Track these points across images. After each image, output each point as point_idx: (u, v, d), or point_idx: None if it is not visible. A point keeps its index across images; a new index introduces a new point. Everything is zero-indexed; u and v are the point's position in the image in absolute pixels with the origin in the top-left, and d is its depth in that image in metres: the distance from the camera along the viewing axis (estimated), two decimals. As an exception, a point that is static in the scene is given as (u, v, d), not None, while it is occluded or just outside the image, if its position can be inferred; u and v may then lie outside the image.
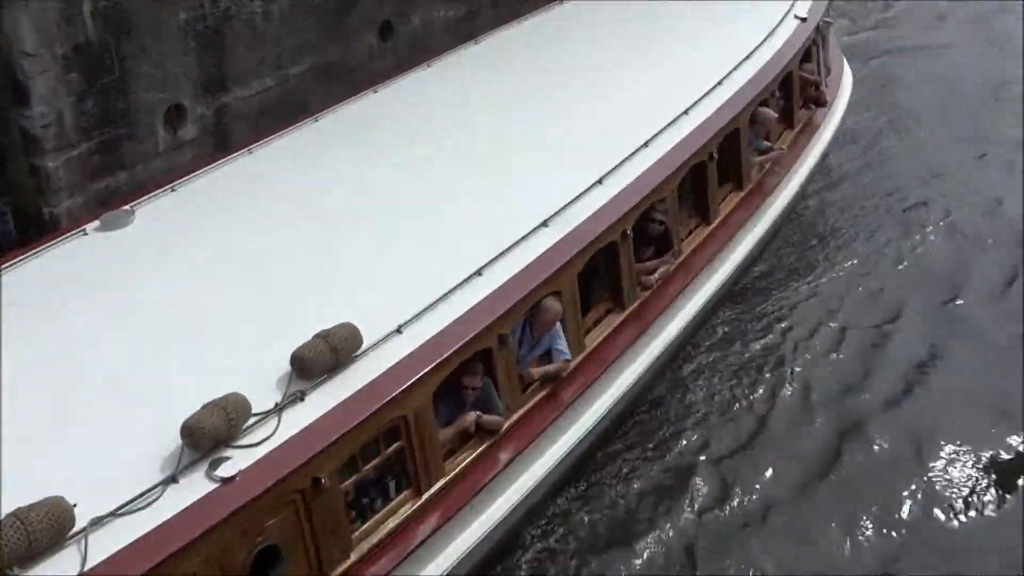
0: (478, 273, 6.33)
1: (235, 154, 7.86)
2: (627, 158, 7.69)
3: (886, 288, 9.84)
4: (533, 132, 8.08)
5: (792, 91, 10.21)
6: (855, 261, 10.32)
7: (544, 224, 6.95)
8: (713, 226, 8.60)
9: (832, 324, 9.34)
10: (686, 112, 8.44)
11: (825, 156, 11.16)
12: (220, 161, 7.70)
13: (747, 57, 9.53)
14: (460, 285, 6.16)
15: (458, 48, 9.60)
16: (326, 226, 6.68)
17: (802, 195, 10.66)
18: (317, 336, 5.49)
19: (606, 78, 8.94)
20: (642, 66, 9.22)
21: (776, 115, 9.55)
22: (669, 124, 8.21)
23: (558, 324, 6.76)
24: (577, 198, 7.14)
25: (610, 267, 7.36)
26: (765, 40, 9.82)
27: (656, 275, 7.70)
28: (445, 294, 6.06)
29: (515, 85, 8.81)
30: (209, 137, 8.87)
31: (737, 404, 8.41)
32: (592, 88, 8.74)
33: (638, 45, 9.66)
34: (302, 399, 5.23)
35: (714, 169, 8.48)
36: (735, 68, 9.24)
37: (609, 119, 8.28)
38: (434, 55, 9.50)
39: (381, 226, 6.69)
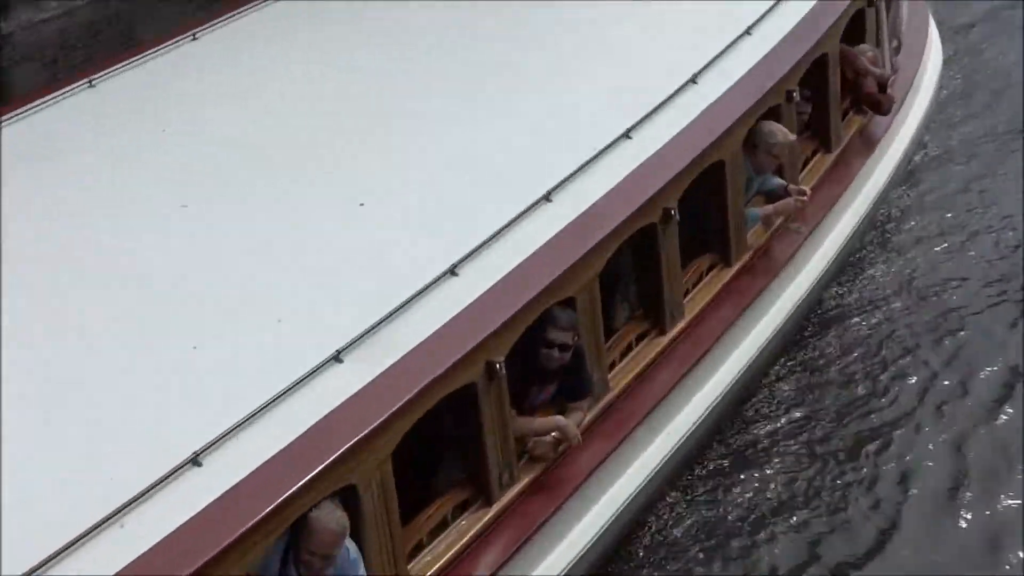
0: (196, 462, 5.59)
1: (18, 112, 8.15)
2: (508, 224, 7.14)
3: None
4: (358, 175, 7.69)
5: (828, 88, 9.88)
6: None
7: (337, 359, 6.18)
8: (673, 334, 8.09)
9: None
10: (627, 135, 7.99)
11: (884, 196, 10.87)
12: None
13: (745, 33, 9.23)
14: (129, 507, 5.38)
15: None
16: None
17: (840, 269, 10.33)
18: None
19: (501, 84, 8.73)
20: (565, 61, 9.01)
21: (794, 135, 9.16)
22: (593, 158, 7.75)
23: (348, 546, 5.97)
24: (401, 308, 6.52)
25: (465, 429, 6.78)
26: (776, 4, 9.58)
27: (553, 436, 7.12)
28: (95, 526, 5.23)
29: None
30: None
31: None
32: (477, 100, 8.56)
33: (561, 24, 9.52)
34: None
35: (674, 235, 8.00)
36: (719, 55, 8.91)
37: (493, 152, 7.94)
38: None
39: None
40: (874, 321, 10.52)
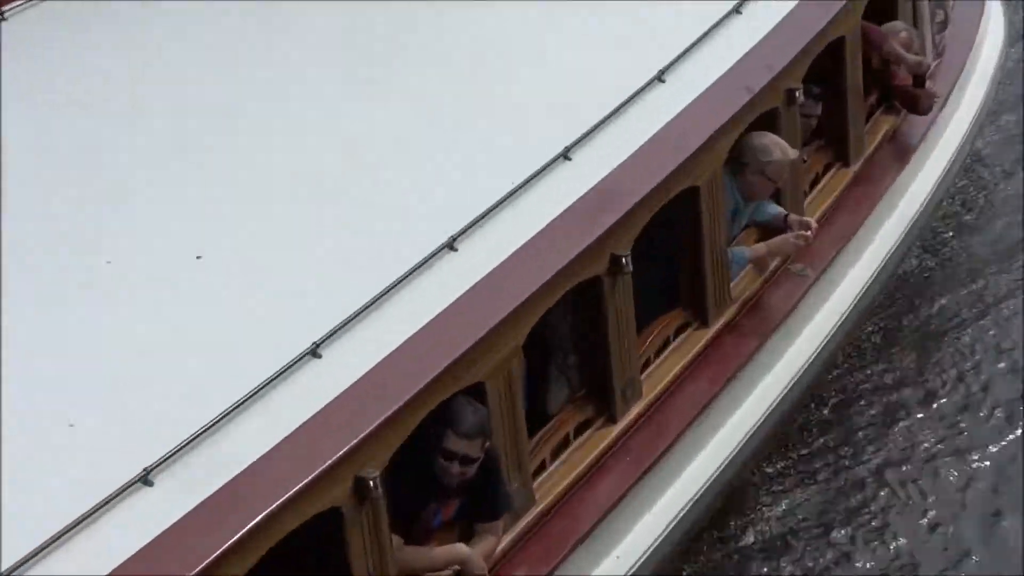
0: None
1: None
2: (394, 285, 6.95)
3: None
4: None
5: (846, 83, 9.95)
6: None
7: (144, 480, 5.99)
8: (626, 422, 7.97)
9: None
10: (565, 155, 7.90)
11: (923, 222, 10.94)
12: None
13: (733, 12, 9.21)
14: None
15: None
16: None
17: (860, 323, 10.37)
18: None
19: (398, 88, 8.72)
20: (487, 54, 9.10)
21: (796, 150, 9.09)
22: (516, 190, 7.63)
23: None
24: (238, 407, 6.30)
25: (334, 559, 6.56)
26: None
27: (454, 571, 6.97)
28: None
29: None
30: None
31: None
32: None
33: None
34: None
35: (626, 290, 7.90)
36: (696, 43, 8.87)
37: (386, 186, 7.87)
38: None
39: None
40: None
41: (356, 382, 6.51)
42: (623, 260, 7.68)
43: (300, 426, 6.29)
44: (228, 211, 7.67)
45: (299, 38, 9.32)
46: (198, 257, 7.11)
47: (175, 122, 8.38)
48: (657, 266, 8.30)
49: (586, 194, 7.71)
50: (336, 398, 6.43)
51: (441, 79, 8.88)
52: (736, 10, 9.12)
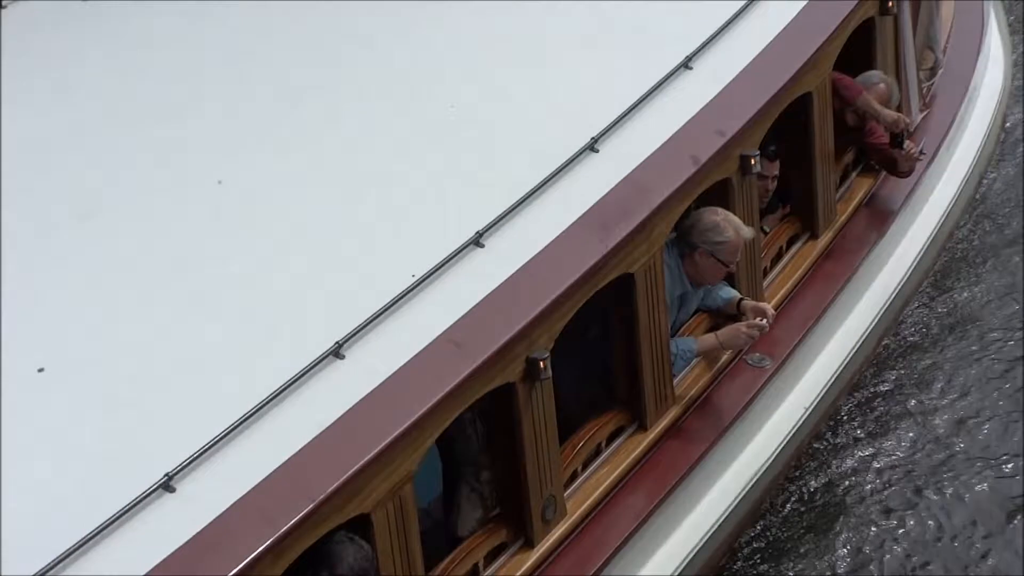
0: None
1: None
2: (271, 400, 6.74)
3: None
4: None
5: (813, 145, 9.96)
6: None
7: None
8: (546, 544, 7.79)
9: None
10: (477, 242, 7.75)
11: (903, 301, 11.00)
12: None
13: (682, 67, 9.14)
14: None
15: None
16: None
17: (829, 419, 10.27)
18: None
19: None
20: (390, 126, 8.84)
21: (750, 229, 8.96)
22: (418, 283, 7.44)
23: None
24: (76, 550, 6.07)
25: None
26: (736, 19, 9.59)
27: None
28: None
29: None
30: None
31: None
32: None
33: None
34: None
35: (546, 397, 7.73)
36: (637, 104, 8.77)
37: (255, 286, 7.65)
38: None
39: None
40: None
41: (215, 520, 6.30)
42: (541, 364, 7.49)
43: (148, 572, 6.05)
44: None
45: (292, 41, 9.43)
46: (40, 369, 6.92)
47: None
48: (588, 359, 8.19)
49: (498, 287, 7.52)
50: (190, 540, 6.21)
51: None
52: (685, 65, 9.01)
